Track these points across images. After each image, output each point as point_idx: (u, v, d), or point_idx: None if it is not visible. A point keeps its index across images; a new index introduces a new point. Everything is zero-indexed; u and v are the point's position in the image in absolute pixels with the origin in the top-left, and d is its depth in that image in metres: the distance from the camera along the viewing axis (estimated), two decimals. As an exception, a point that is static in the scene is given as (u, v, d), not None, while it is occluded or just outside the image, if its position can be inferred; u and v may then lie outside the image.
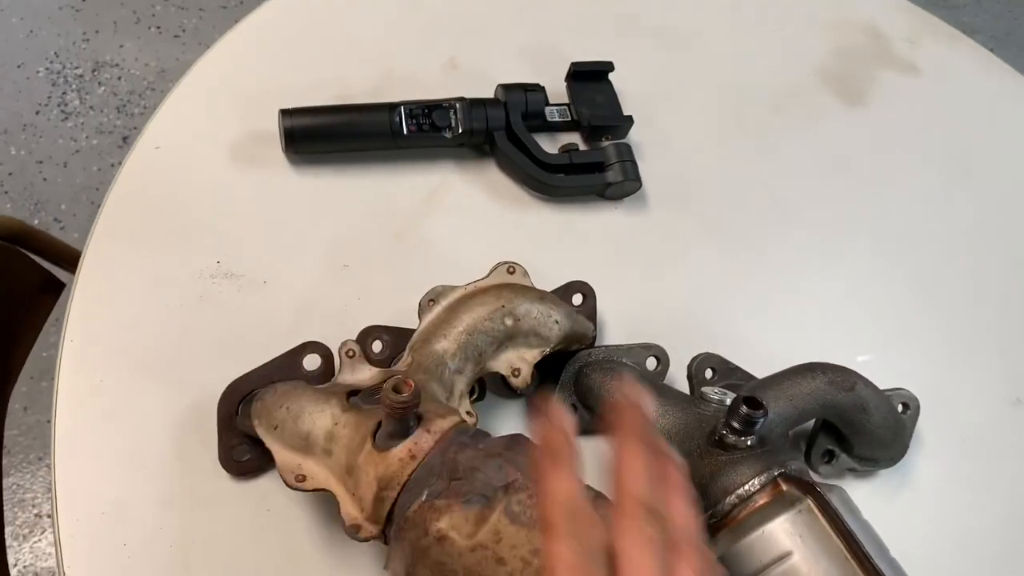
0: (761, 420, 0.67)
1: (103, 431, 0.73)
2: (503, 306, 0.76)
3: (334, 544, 0.72)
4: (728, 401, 0.74)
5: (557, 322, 0.77)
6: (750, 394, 0.68)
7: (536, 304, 0.77)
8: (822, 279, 0.99)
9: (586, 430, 0.83)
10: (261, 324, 0.81)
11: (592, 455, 0.70)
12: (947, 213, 1.08)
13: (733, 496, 0.66)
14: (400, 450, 0.61)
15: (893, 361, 0.96)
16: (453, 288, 0.78)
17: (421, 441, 0.62)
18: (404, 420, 0.61)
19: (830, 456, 0.87)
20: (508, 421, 0.82)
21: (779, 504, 0.65)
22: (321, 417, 0.67)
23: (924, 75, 1.19)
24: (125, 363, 0.76)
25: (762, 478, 0.66)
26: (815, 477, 0.86)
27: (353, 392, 0.70)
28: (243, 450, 0.73)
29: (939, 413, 0.93)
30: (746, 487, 0.66)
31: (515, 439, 0.64)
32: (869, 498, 0.87)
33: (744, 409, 0.67)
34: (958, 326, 1.00)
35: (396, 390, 0.60)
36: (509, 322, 0.75)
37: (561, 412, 0.48)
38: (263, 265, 0.84)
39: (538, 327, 0.76)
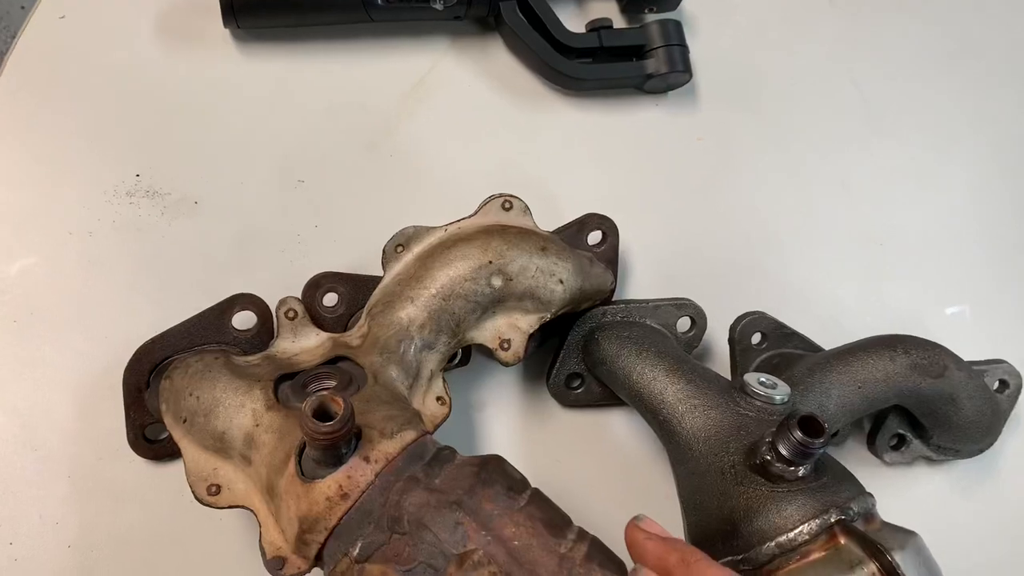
0: (820, 450, 0.50)
1: (-9, 394, 0.59)
2: (491, 261, 0.57)
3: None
4: (778, 398, 0.56)
5: (562, 282, 0.59)
6: (811, 413, 0.50)
7: (535, 258, 0.59)
8: (913, 207, 0.78)
9: (593, 403, 0.67)
10: (191, 259, 0.64)
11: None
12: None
13: (773, 544, 0.50)
14: (328, 485, 0.46)
15: (992, 317, 0.77)
16: (429, 231, 0.59)
17: (356, 474, 0.46)
18: (334, 447, 0.45)
19: (900, 441, 0.70)
20: (497, 393, 0.66)
21: (834, 564, 0.49)
22: (239, 414, 0.51)
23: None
24: (15, 309, 0.61)
25: (814, 524, 0.50)
26: (880, 462, 0.70)
27: (286, 376, 0.54)
28: (158, 428, 0.59)
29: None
30: (792, 534, 0.50)
31: (487, 472, 0.48)
32: (943, 491, 0.72)
33: (798, 435, 0.49)
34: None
35: (320, 414, 0.44)
36: (498, 283, 0.57)
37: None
38: (195, 179, 0.66)
39: (536, 288, 0.59)
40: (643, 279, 0.70)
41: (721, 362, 0.69)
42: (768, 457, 0.51)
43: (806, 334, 0.67)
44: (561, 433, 0.67)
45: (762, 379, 0.58)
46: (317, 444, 0.44)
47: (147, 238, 0.64)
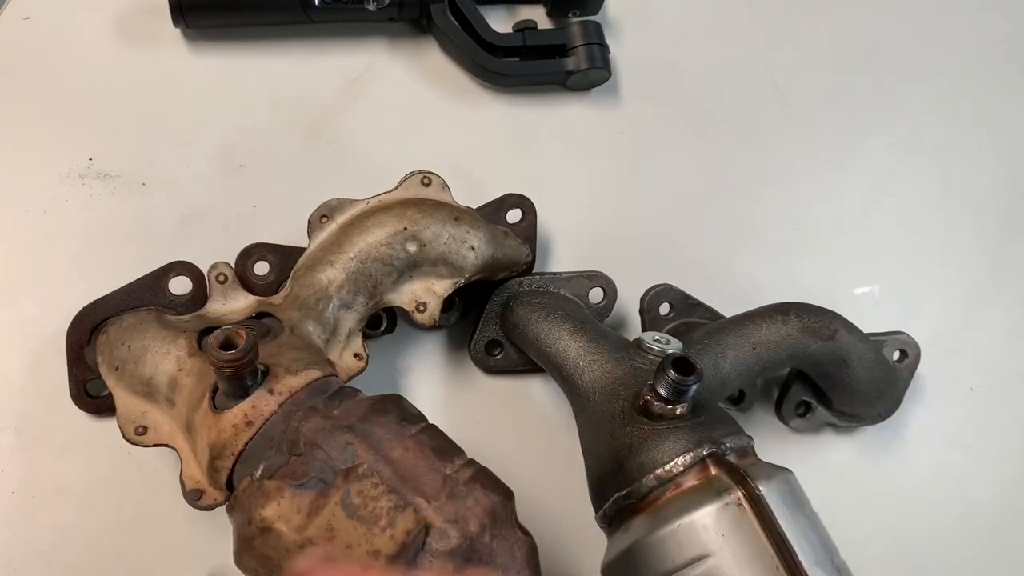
0: (693, 387, 0.54)
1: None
2: (405, 228, 0.62)
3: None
4: (671, 351, 0.61)
5: (473, 248, 0.64)
6: (683, 353, 0.55)
7: (448, 226, 0.64)
8: (826, 194, 0.83)
9: (512, 369, 0.71)
10: (138, 235, 0.69)
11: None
12: (989, 120, 0.89)
13: (652, 476, 0.54)
14: (235, 413, 0.51)
15: (899, 295, 0.81)
16: (352, 203, 0.65)
17: (260, 404, 0.51)
18: (239, 378, 0.50)
19: (806, 408, 0.74)
20: (422, 359, 0.71)
21: (705, 492, 0.53)
22: (165, 360, 0.56)
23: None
24: (-27, 278, 0.66)
25: (688, 456, 0.54)
26: (788, 430, 0.74)
27: (210, 329, 0.59)
28: (100, 384, 0.64)
29: (948, 360, 0.79)
30: (668, 466, 0.54)
31: (383, 403, 0.52)
32: (852, 458, 0.76)
33: (672, 374, 0.54)
34: (985, 257, 0.84)
35: (225, 345, 0.48)
36: (412, 248, 0.62)
37: None
38: (144, 163, 0.71)
39: (449, 254, 0.63)
40: (563, 256, 0.75)
41: (634, 332, 0.73)
42: (648, 397, 0.56)
43: (715, 307, 0.72)
44: (482, 398, 0.71)
45: (656, 337, 0.63)
46: (222, 373, 0.49)
47: (97, 216, 0.69)
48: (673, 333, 0.70)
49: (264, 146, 0.74)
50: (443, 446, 0.51)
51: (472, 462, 0.52)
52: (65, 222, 0.68)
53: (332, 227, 0.64)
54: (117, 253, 0.68)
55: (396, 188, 0.66)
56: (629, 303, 0.72)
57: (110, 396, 0.61)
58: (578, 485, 0.61)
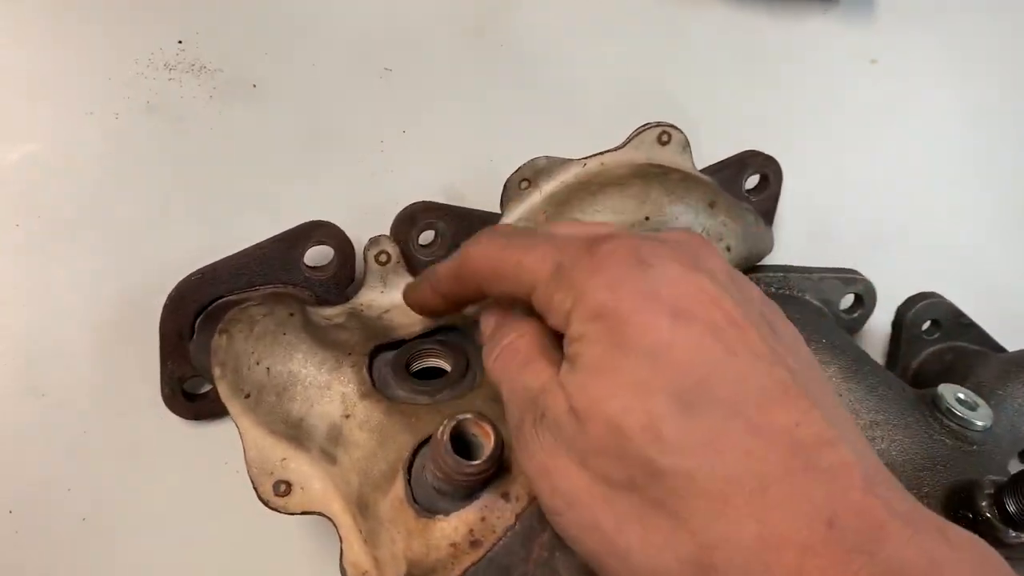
0: (1066, 520, 0.39)
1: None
2: (647, 218, 0.44)
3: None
4: (980, 424, 0.45)
5: (729, 249, 0.47)
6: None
7: (702, 216, 0.45)
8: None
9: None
10: (245, 161, 0.50)
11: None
12: None
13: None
14: (453, 526, 0.34)
15: None
16: (563, 164, 0.46)
17: (492, 516, 0.35)
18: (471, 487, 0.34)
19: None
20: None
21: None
22: (324, 399, 0.39)
23: None
24: (16, 210, 0.47)
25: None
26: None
27: (384, 346, 0.41)
28: (198, 382, 0.47)
29: None
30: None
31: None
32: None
33: (1047, 501, 0.39)
34: None
35: (459, 443, 0.32)
36: (653, 244, 0.44)
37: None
38: (254, 56, 0.51)
39: (697, 255, 0.46)
40: (790, 235, 0.58)
41: (869, 343, 0.58)
42: (989, 514, 0.41)
43: (986, 327, 0.56)
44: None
45: (960, 395, 0.47)
46: (455, 484, 0.33)
47: (190, 127, 0.49)
48: (938, 361, 0.55)
49: (416, 45, 0.53)
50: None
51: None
52: (145, 134, 0.49)
53: (537, 198, 0.46)
54: (217, 184, 0.49)
55: (624, 145, 0.47)
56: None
57: (214, 396, 0.45)
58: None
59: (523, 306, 0.34)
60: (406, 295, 0.43)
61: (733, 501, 0.26)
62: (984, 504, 0.41)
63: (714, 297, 0.29)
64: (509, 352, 0.33)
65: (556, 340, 0.32)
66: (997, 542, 0.41)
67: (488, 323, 0.36)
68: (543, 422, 0.30)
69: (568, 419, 0.29)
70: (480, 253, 0.34)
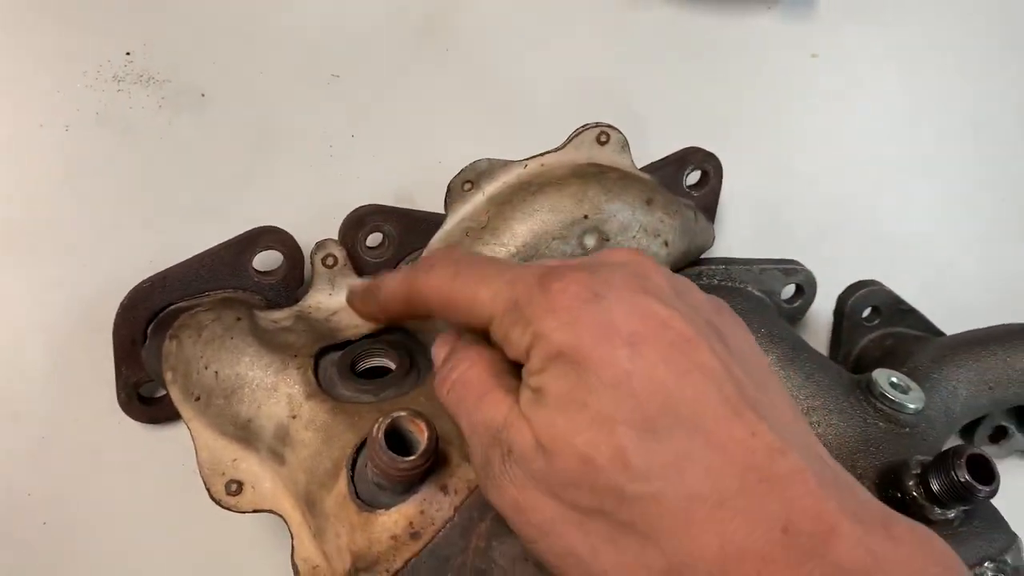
0: (985, 497, 0.41)
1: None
2: (586, 216, 0.46)
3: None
4: (911, 407, 0.47)
5: (667, 244, 0.48)
6: (978, 452, 0.41)
7: (640, 213, 0.47)
8: None
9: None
10: (194, 168, 0.51)
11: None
12: None
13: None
14: (394, 520, 0.36)
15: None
16: (505, 166, 0.47)
17: (431, 508, 0.36)
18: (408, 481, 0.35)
19: (1000, 433, 0.62)
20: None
21: (983, 629, 0.41)
22: (271, 400, 0.41)
23: None
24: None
25: (962, 578, 0.42)
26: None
27: (331, 347, 0.43)
28: (154, 387, 0.48)
29: None
30: (933, 588, 0.42)
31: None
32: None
33: (965, 477, 0.40)
34: None
35: (393, 440, 0.33)
36: (591, 243, 0.46)
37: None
38: (202, 66, 0.51)
39: (636, 250, 0.47)
40: (734, 227, 0.59)
41: (813, 331, 0.59)
42: (915, 493, 0.43)
43: (923, 310, 0.57)
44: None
45: (893, 379, 0.48)
46: (392, 479, 0.34)
47: (140, 137, 0.50)
48: (878, 347, 0.57)
49: (364, 50, 0.54)
50: None
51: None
52: (95, 144, 0.49)
53: (479, 199, 0.47)
54: (167, 192, 0.50)
55: (564, 146, 0.48)
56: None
57: (166, 403, 0.46)
58: None
59: (473, 332, 0.35)
60: (351, 303, 0.44)
61: (696, 517, 0.27)
62: (911, 484, 0.43)
63: (664, 319, 0.30)
64: (462, 385, 0.34)
65: (509, 364, 0.33)
66: (925, 520, 0.43)
67: (439, 353, 0.37)
68: (511, 457, 0.31)
69: (535, 454, 0.30)
70: (431, 285, 0.35)
